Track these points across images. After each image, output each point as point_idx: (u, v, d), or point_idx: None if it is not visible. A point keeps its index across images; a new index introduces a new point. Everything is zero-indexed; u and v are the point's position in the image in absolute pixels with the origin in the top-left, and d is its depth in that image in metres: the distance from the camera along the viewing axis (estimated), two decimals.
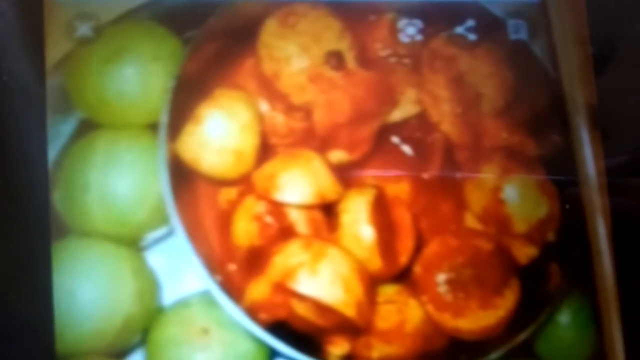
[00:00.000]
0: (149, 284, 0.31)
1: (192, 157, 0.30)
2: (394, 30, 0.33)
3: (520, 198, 0.31)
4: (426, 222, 0.31)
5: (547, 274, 0.31)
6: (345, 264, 0.29)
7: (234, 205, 0.31)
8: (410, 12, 0.33)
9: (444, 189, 0.32)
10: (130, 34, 0.32)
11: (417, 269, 0.30)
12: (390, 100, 0.32)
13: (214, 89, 0.31)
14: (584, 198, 0.31)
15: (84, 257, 0.30)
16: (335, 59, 0.32)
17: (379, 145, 0.32)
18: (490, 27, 0.32)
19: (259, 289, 0.29)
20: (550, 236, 0.31)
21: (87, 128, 0.31)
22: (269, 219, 0.30)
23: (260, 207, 0.30)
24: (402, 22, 0.33)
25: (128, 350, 0.30)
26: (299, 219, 0.30)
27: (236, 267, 0.30)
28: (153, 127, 0.31)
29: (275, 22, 0.32)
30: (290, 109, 0.32)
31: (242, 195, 0.31)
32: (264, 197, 0.30)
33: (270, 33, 0.32)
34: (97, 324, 0.29)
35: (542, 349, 0.31)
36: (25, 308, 0.29)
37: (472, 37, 0.32)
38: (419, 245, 0.31)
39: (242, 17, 0.32)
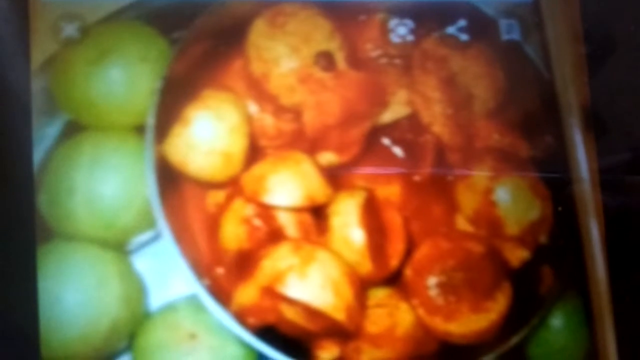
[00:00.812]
0: (136, 289, 0.30)
1: (179, 160, 0.30)
2: (384, 31, 0.32)
3: (512, 200, 0.30)
4: (417, 225, 0.31)
5: (540, 276, 0.31)
6: (335, 267, 0.29)
7: (222, 208, 0.31)
8: (401, 12, 0.32)
9: (435, 191, 0.31)
10: (117, 35, 0.31)
11: (408, 272, 0.30)
12: (380, 101, 0.32)
13: (202, 90, 0.31)
14: (576, 200, 0.30)
15: (69, 261, 0.29)
16: (325, 60, 0.31)
17: (370, 147, 0.31)
18: (482, 27, 0.32)
19: (247, 293, 0.29)
20: (543, 238, 0.30)
21: (73, 130, 0.31)
22: (257, 222, 0.30)
23: (248, 210, 0.30)
24: (393, 22, 0.32)
25: (114, 356, 0.30)
26: (288, 222, 0.30)
27: (224, 271, 0.30)
28: (140, 129, 0.30)
29: (264, 22, 0.31)
30: (279, 110, 0.31)
31: (230, 198, 0.31)
32: (253, 199, 0.30)
33: (259, 33, 0.31)
34: (83, 329, 0.29)
35: (534, 352, 0.31)
36: (10, 313, 0.29)
37: (464, 37, 0.32)
38: (410, 248, 0.30)
39: (230, 17, 0.32)
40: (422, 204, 0.31)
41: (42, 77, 0.31)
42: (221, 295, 0.29)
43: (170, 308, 0.30)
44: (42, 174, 0.30)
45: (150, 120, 0.30)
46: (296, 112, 0.31)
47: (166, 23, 0.32)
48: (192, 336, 0.29)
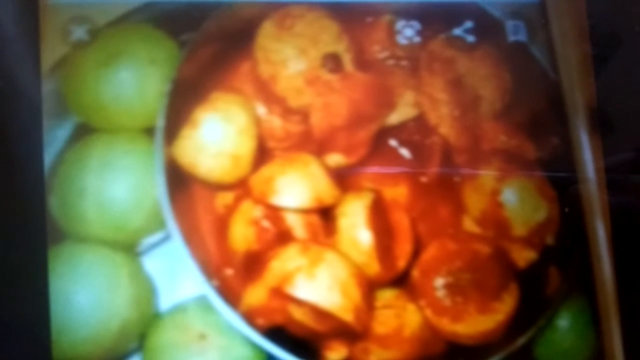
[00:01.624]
0: (146, 289, 0.30)
1: (188, 161, 0.30)
2: (391, 32, 0.32)
3: (519, 201, 0.30)
4: (424, 226, 0.31)
5: (546, 277, 0.31)
6: (343, 268, 0.29)
7: (230, 209, 0.31)
8: (408, 14, 0.32)
9: (442, 193, 0.31)
10: (126, 37, 0.32)
11: (415, 274, 0.30)
12: (388, 103, 0.32)
13: (211, 93, 0.31)
14: (583, 201, 0.30)
15: (80, 263, 0.30)
16: (333, 62, 0.31)
17: (377, 148, 0.31)
18: (488, 29, 0.32)
19: (256, 294, 0.29)
20: (550, 240, 0.30)
21: (83, 132, 0.31)
22: (266, 224, 0.30)
23: (257, 211, 0.30)
24: (400, 24, 0.32)
25: (125, 356, 0.30)
26: (296, 223, 0.30)
27: (233, 272, 0.30)
28: (149, 131, 0.31)
29: (271, 24, 0.32)
30: (287, 112, 0.32)
31: (238, 200, 0.31)
32: (261, 201, 0.30)
33: (266, 35, 0.31)
34: (94, 329, 0.29)
35: (541, 353, 0.31)
36: (22, 314, 0.29)
37: (470, 38, 0.32)
38: (417, 250, 0.30)
39: (238, 19, 0.32)
40: (429, 205, 0.31)
41: (52, 80, 0.31)
42: (230, 296, 0.29)
43: (179, 309, 0.30)
44: (52, 176, 0.30)
45: (160, 123, 0.30)
46: (304, 114, 0.31)
47: (175, 25, 0.32)
48: (202, 337, 0.29)
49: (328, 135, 0.31)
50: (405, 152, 0.32)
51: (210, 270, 0.30)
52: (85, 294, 0.29)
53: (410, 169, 0.32)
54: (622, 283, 0.29)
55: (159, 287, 0.31)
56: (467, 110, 0.32)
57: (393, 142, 0.32)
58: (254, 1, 0.32)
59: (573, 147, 0.31)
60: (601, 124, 0.31)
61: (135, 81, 0.31)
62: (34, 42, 0.31)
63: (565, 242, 0.30)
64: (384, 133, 0.32)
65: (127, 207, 0.30)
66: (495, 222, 0.31)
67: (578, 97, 0.31)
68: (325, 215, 0.30)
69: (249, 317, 0.29)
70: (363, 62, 0.32)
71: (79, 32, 0.31)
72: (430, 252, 0.30)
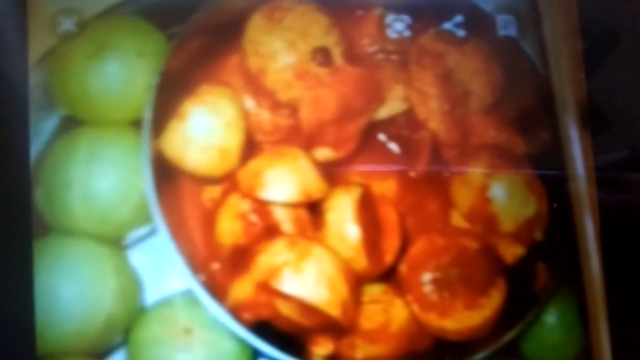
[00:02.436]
0: (131, 283, 0.30)
1: (175, 155, 0.30)
2: (381, 26, 0.32)
3: (507, 197, 0.30)
4: (412, 221, 0.31)
5: (534, 273, 0.31)
6: (331, 263, 0.29)
7: (218, 203, 0.31)
8: (398, 8, 0.32)
9: (430, 187, 0.31)
10: (114, 30, 0.31)
11: (403, 268, 0.30)
12: (377, 97, 0.32)
13: (199, 85, 0.31)
14: (572, 197, 0.30)
15: (65, 256, 0.30)
16: (322, 55, 0.31)
17: (366, 142, 0.31)
18: (479, 23, 0.32)
19: (242, 289, 0.29)
20: (538, 235, 0.30)
21: (70, 125, 0.31)
22: (253, 218, 0.30)
23: (244, 205, 0.30)
24: (390, 18, 0.32)
25: (110, 350, 0.30)
26: (284, 218, 0.30)
27: (220, 266, 0.30)
28: (136, 124, 0.31)
29: (261, 17, 0.31)
30: (276, 105, 0.31)
31: (226, 194, 0.31)
32: (249, 195, 0.30)
33: (256, 28, 0.31)
34: (79, 323, 0.29)
35: (528, 349, 0.31)
36: (6, 307, 0.29)
37: (460, 33, 0.32)
38: (405, 244, 0.30)
39: (227, 12, 0.32)
40: (418, 200, 0.31)
41: (40, 72, 0.31)
42: (217, 290, 0.29)
43: (165, 303, 0.30)
44: (38, 168, 0.30)
45: (147, 115, 0.30)
46: (293, 108, 0.31)
47: (163, 18, 0.32)
48: (188, 331, 0.29)
49: (317, 129, 0.31)
50: (394, 147, 0.32)
51: (197, 265, 0.30)
52: (70, 287, 0.29)
53: (399, 163, 0.32)
54: (610, 279, 0.29)
55: (144, 281, 0.31)
56: (457, 105, 0.32)
57: (382, 137, 0.32)
58: None
59: (562, 143, 0.31)
60: (591, 121, 0.31)
61: (122, 74, 0.31)
62: (22, 33, 0.30)
63: (553, 238, 0.30)
64: (373, 127, 0.32)
65: (113, 200, 0.30)
66: (484, 218, 0.30)
67: (568, 93, 0.31)
68: (313, 210, 0.30)
69: (236, 312, 0.29)
70: (353, 56, 0.32)
71: (67, 24, 0.31)
72: (418, 247, 0.30)
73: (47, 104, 0.31)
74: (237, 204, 0.30)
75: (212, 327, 0.29)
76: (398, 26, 0.32)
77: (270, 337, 0.29)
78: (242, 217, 0.30)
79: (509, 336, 0.30)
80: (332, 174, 0.31)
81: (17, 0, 0.31)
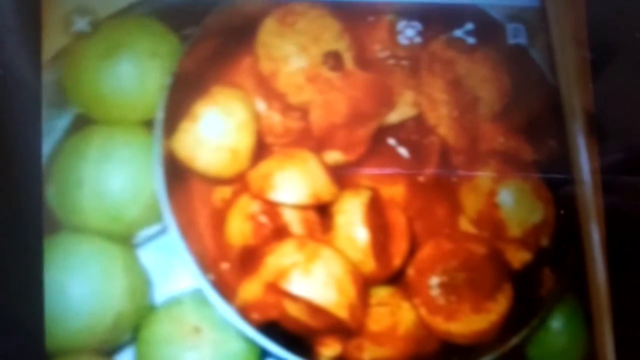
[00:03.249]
0: (141, 282, 0.30)
1: (187, 155, 0.30)
2: (392, 32, 0.33)
3: (515, 203, 0.31)
4: (421, 225, 0.31)
5: (540, 279, 0.31)
6: (339, 265, 0.29)
7: (228, 204, 0.31)
8: (409, 14, 0.32)
9: (439, 192, 0.32)
10: (128, 30, 0.32)
11: (411, 272, 0.30)
12: (387, 102, 0.32)
13: (211, 87, 0.31)
14: (578, 204, 0.30)
15: (75, 253, 0.30)
16: (334, 60, 0.32)
17: (375, 146, 0.32)
18: (489, 31, 0.32)
19: (251, 289, 0.29)
20: (545, 241, 0.31)
21: (82, 123, 0.31)
22: (263, 219, 0.30)
23: (254, 206, 0.30)
24: (401, 24, 0.33)
25: (118, 348, 0.30)
26: (293, 219, 0.30)
27: (229, 266, 0.30)
28: (149, 124, 0.31)
29: (273, 21, 0.32)
30: (287, 108, 0.32)
31: (236, 194, 0.31)
32: (259, 196, 0.30)
33: (268, 32, 0.32)
34: (88, 320, 0.29)
35: (534, 354, 0.31)
36: (16, 303, 0.29)
37: (471, 40, 0.32)
38: (413, 248, 0.31)
39: (240, 15, 0.32)
40: (426, 204, 0.32)
41: (53, 70, 0.31)
42: (226, 290, 0.29)
43: (174, 302, 0.30)
44: (50, 166, 0.30)
45: (159, 115, 0.31)
46: (303, 111, 0.32)
47: (177, 19, 0.32)
48: (196, 330, 0.29)
49: (327, 133, 0.31)
50: (403, 151, 0.32)
51: (206, 264, 0.30)
52: (80, 284, 0.29)
53: (408, 168, 0.32)
54: (616, 285, 0.29)
55: (154, 279, 0.31)
56: (466, 111, 0.32)
57: (392, 141, 0.32)
58: None
59: (570, 150, 0.31)
60: (598, 129, 0.31)
61: (135, 74, 0.31)
62: (36, 32, 0.31)
63: (560, 244, 0.31)
64: (383, 132, 0.32)
65: (124, 198, 0.30)
66: (491, 223, 0.31)
67: (576, 101, 0.31)
68: (322, 212, 0.31)
69: (244, 312, 0.29)
70: (364, 61, 0.32)
71: (81, 24, 0.31)
72: (426, 251, 0.31)
73: (60, 103, 0.31)
74: (247, 205, 0.30)
75: (220, 326, 0.29)
76: (409, 32, 0.33)
77: (278, 337, 0.29)
78: (252, 218, 0.30)
79: (514, 341, 0.30)
80: (341, 177, 0.31)
81: (32, 0, 0.31)
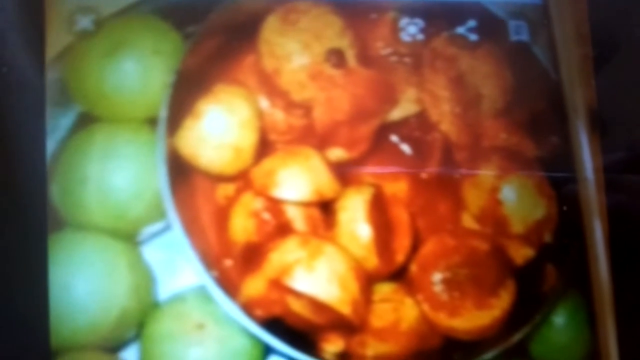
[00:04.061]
0: (145, 279, 0.31)
1: (190, 152, 0.30)
2: (395, 29, 0.33)
3: (518, 199, 0.31)
4: (423, 221, 0.31)
5: (543, 275, 0.31)
6: (342, 261, 0.29)
7: (231, 201, 0.31)
8: (411, 11, 0.33)
9: (441, 189, 0.32)
10: (131, 28, 0.32)
11: (413, 268, 0.30)
12: (390, 99, 0.32)
13: (214, 85, 0.31)
14: (581, 200, 0.31)
15: (79, 251, 0.30)
16: (336, 57, 0.32)
17: (378, 143, 0.32)
18: (491, 28, 0.32)
19: (254, 285, 0.29)
20: (547, 237, 0.31)
21: (86, 121, 0.31)
22: (266, 216, 0.30)
23: (257, 203, 0.30)
24: (404, 21, 0.33)
25: (123, 345, 0.30)
26: (296, 216, 0.30)
27: (232, 263, 0.30)
28: (152, 122, 0.31)
29: (276, 18, 0.32)
30: (290, 105, 0.32)
31: (239, 192, 0.31)
32: (262, 193, 0.30)
33: (271, 30, 0.32)
34: (92, 317, 0.29)
35: (536, 349, 0.31)
36: (20, 301, 0.29)
37: (473, 37, 0.32)
38: (416, 244, 0.31)
39: (243, 13, 0.32)
40: (429, 201, 0.32)
41: (56, 69, 0.31)
42: (229, 286, 0.30)
43: (178, 298, 0.30)
44: (54, 164, 0.30)
45: (163, 113, 0.31)
46: (306, 108, 0.32)
47: (180, 17, 0.32)
48: (200, 326, 0.30)
49: (330, 130, 0.31)
50: (406, 148, 0.32)
51: (210, 261, 0.30)
52: (84, 281, 0.29)
53: (411, 164, 0.32)
54: (618, 281, 0.30)
55: (158, 276, 0.31)
56: (469, 108, 0.32)
57: (394, 138, 0.32)
58: None
59: (572, 146, 0.31)
60: (601, 125, 0.31)
61: (139, 72, 0.31)
62: (39, 30, 0.31)
63: (562, 240, 0.31)
64: (386, 129, 0.32)
65: (128, 196, 0.30)
66: (494, 219, 0.31)
67: (578, 97, 0.31)
68: (325, 209, 0.31)
69: (248, 308, 0.29)
70: (366, 58, 0.32)
71: (84, 22, 0.31)
72: (429, 247, 0.31)
73: (64, 101, 0.31)
74: (251, 202, 0.30)
75: (224, 323, 0.29)
76: (411, 29, 0.33)
77: (282, 333, 0.29)
78: (255, 215, 0.30)
79: (517, 337, 0.30)
80: (344, 174, 0.31)
81: None
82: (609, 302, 0.29)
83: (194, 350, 0.29)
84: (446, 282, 0.30)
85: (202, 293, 0.30)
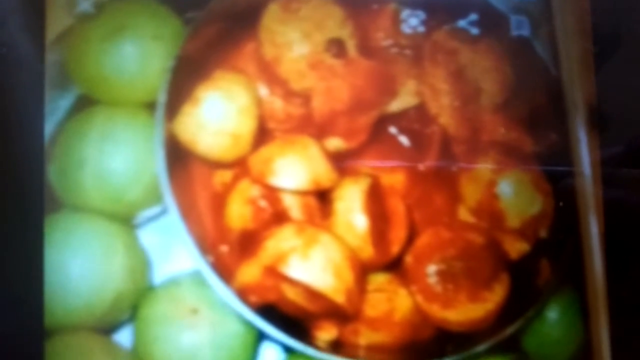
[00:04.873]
0: (140, 262, 0.31)
1: (188, 138, 0.30)
2: (396, 21, 0.33)
3: (514, 193, 0.31)
4: (420, 213, 0.31)
5: (538, 269, 0.31)
6: (337, 250, 0.29)
7: (228, 187, 0.31)
8: (413, 3, 0.32)
9: (439, 181, 0.32)
10: (131, 12, 0.32)
11: (408, 259, 0.30)
12: (389, 90, 0.32)
13: (214, 71, 0.31)
14: (577, 196, 0.31)
15: (76, 232, 0.30)
16: (336, 47, 0.32)
17: (376, 134, 0.32)
18: (493, 22, 0.32)
19: (250, 272, 0.29)
20: (543, 232, 0.31)
21: (85, 104, 0.31)
22: (263, 203, 0.30)
23: (254, 190, 0.30)
24: (405, 13, 0.33)
25: (117, 327, 0.30)
26: (293, 204, 0.30)
27: (228, 249, 0.30)
28: (151, 106, 0.31)
29: (277, 7, 0.32)
30: (289, 94, 0.32)
31: (237, 178, 0.31)
32: (259, 181, 0.30)
33: (272, 18, 0.32)
34: (87, 298, 0.29)
35: (529, 343, 0.31)
36: (16, 281, 0.29)
37: (474, 31, 0.32)
38: (412, 236, 0.31)
39: (244, 0, 0.32)
40: (426, 193, 0.32)
41: (56, 51, 0.31)
42: (224, 272, 0.30)
43: (173, 282, 0.31)
44: (52, 145, 0.30)
45: (161, 98, 0.31)
46: (305, 97, 0.32)
47: (181, 3, 0.32)
48: (194, 311, 0.30)
49: (328, 119, 0.31)
50: (404, 140, 0.32)
51: (206, 246, 0.30)
52: (80, 263, 0.29)
53: (409, 156, 0.32)
54: (612, 277, 0.30)
55: (153, 260, 0.31)
56: (468, 102, 0.32)
57: (393, 130, 0.32)
58: None
59: (570, 143, 0.31)
60: (600, 122, 0.31)
61: (138, 56, 0.31)
62: (40, 12, 0.31)
63: (558, 235, 0.31)
64: (384, 120, 0.32)
65: (126, 179, 0.30)
66: (490, 213, 0.31)
67: (578, 94, 0.31)
68: (322, 198, 0.31)
69: (242, 294, 0.29)
70: (367, 49, 0.32)
71: (85, 5, 0.31)
72: (424, 239, 0.31)
73: (63, 83, 0.31)
74: (247, 189, 0.31)
75: (218, 308, 0.29)
76: (413, 22, 0.33)
77: (276, 320, 0.29)
78: (252, 202, 0.30)
79: (510, 330, 0.30)
80: (342, 163, 0.31)
81: None
82: (603, 297, 0.30)
83: (187, 334, 0.29)
84: (441, 274, 0.30)
85: (197, 278, 0.30)
